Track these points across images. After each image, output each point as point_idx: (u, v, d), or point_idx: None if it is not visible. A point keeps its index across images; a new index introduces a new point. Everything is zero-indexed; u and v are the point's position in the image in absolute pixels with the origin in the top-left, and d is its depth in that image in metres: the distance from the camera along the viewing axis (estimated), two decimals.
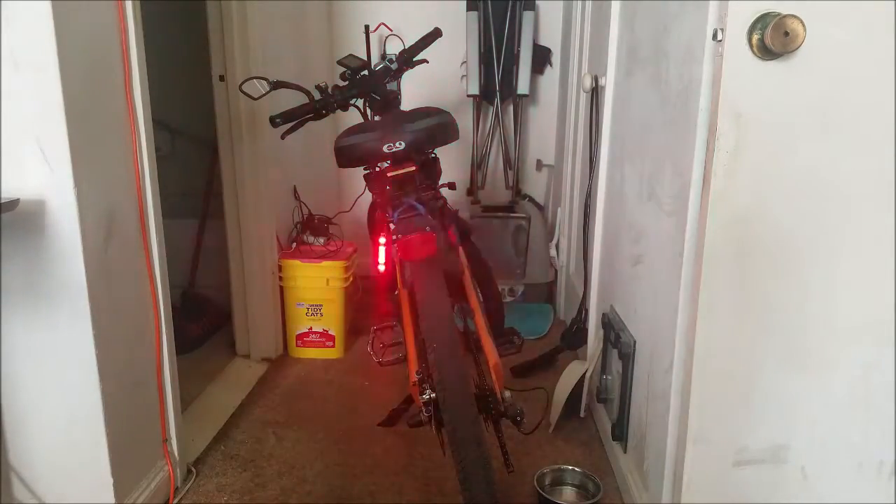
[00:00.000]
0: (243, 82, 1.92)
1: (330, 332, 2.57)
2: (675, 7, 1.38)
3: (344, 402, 2.27)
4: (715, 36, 1.13)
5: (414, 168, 1.77)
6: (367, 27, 2.77)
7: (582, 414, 2.11)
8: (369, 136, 1.81)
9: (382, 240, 2.10)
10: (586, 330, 2.14)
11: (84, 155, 1.35)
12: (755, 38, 1.09)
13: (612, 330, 1.84)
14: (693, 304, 1.26)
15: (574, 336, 2.37)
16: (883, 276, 1.22)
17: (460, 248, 1.86)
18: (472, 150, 3.20)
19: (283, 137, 1.97)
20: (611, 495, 1.76)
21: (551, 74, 3.20)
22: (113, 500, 1.50)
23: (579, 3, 2.59)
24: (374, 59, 2.81)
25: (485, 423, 1.53)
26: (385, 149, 1.76)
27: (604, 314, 1.97)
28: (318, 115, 1.91)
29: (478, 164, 3.21)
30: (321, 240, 2.64)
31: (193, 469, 1.84)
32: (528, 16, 3.01)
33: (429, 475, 1.85)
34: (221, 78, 2.31)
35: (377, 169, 1.86)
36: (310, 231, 2.66)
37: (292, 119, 1.88)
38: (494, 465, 1.43)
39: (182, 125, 2.80)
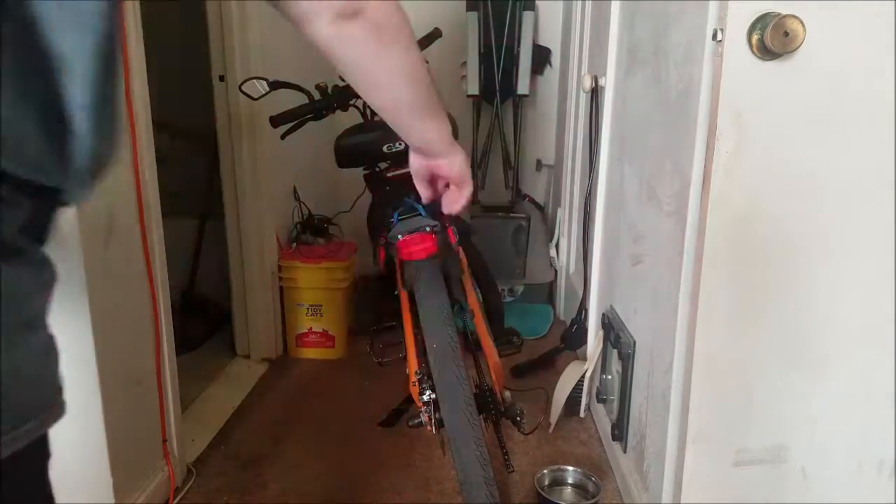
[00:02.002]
0: (243, 82, 1.92)
1: (330, 333, 2.57)
2: (675, 7, 1.38)
3: (344, 402, 2.27)
4: (715, 36, 1.13)
5: None
6: None
7: (582, 414, 2.11)
8: (369, 136, 1.82)
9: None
10: (586, 330, 2.14)
11: None
12: (755, 38, 1.09)
13: (612, 330, 1.84)
14: (693, 304, 1.26)
15: (574, 336, 2.36)
16: (883, 276, 1.22)
17: (460, 248, 1.86)
18: (472, 150, 3.20)
19: (283, 137, 1.97)
20: (611, 495, 1.76)
21: (551, 74, 3.20)
22: (113, 500, 1.50)
23: (579, 3, 2.59)
24: None
25: (485, 423, 1.53)
26: (385, 149, 1.77)
27: (604, 314, 1.97)
28: (318, 115, 1.91)
29: (478, 164, 3.21)
30: (321, 240, 2.64)
31: (193, 469, 1.84)
32: (528, 16, 3.01)
33: (429, 475, 1.85)
34: (221, 78, 2.31)
35: (377, 169, 1.87)
36: (310, 231, 2.66)
37: (292, 119, 1.88)
38: (494, 465, 1.43)
39: (182, 125, 2.80)
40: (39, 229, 0.56)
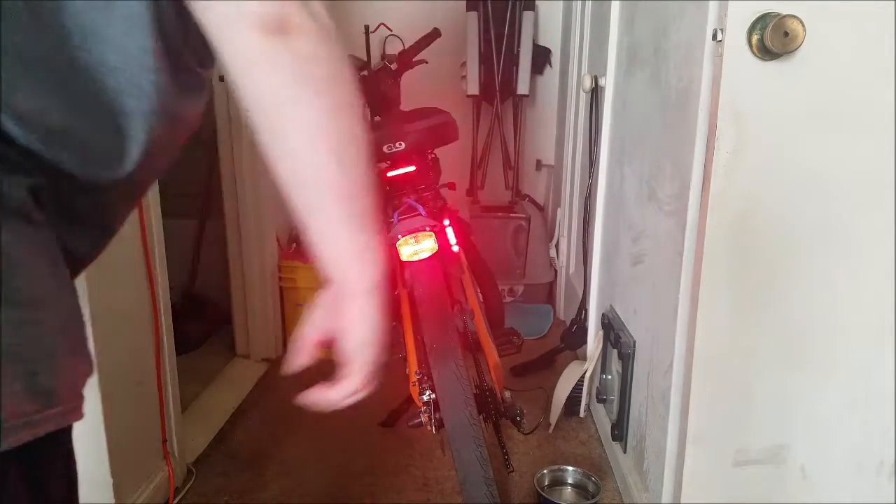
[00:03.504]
0: None
1: None
2: (674, 7, 1.38)
3: None
4: (715, 36, 1.13)
5: (414, 169, 1.77)
6: (366, 27, 2.77)
7: (582, 414, 2.11)
8: (369, 136, 1.81)
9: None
10: (586, 330, 2.14)
11: None
12: (755, 38, 1.09)
13: (612, 330, 1.84)
14: (693, 304, 1.26)
15: (574, 336, 2.36)
16: (883, 276, 1.22)
17: (460, 248, 1.86)
18: (472, 150, 3.20)
19: None
20: (611, 495, 1.76)
21: (551, 74, 3.20)
22: (113, 501, 1.50)
23: (579, 3, 2.59)
24: (374, 59, 2.81)
25: (485, 423, 1.53)
26: (385, 149, 1.76)
27: (604, 314, 1.97)
28: None
29: (477, 164, 3.21)
30: None
31: (193, 469, 1.84)
32: (527, 16, 3.01)
33: (429, 475, 1.85)
34: (221, 78, 2.31)
35: (377, 169, 1.86)
36: None
37: None
38: (494, 465, 1.43)
39: None
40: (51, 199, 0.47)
